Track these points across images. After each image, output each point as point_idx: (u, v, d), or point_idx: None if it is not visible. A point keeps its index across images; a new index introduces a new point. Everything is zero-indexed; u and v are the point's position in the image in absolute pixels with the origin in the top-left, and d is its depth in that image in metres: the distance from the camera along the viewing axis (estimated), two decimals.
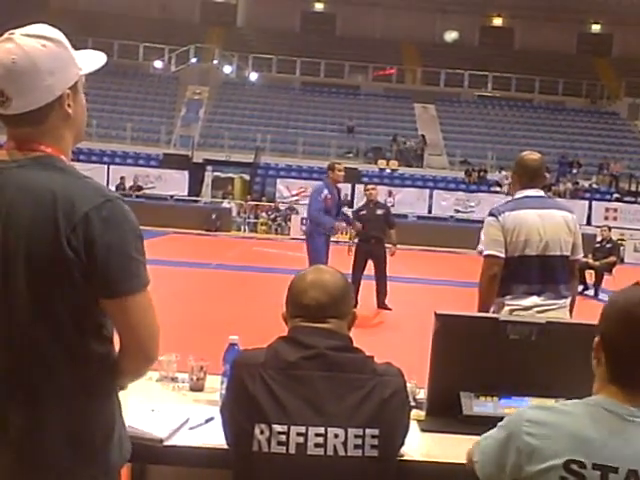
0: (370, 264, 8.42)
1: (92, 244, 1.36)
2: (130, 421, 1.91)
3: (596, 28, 33.75)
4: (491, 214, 3.37)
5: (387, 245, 8.60)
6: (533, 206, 3.31)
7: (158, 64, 29.56)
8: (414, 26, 31.96)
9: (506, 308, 3.25)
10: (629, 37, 31.60)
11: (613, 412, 1.40)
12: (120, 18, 29.56)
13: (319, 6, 34.38)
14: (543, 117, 29.41)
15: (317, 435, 1.59)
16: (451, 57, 30.45)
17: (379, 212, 8.35)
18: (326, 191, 7.56)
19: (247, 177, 24.39)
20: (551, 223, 3.29)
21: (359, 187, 18.65)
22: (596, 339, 1.46)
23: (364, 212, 8.53)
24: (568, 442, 1.37)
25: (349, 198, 19.83)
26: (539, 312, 3.21)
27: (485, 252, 3.33)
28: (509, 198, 3.53)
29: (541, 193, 3.41)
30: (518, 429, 1.43)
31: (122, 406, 1.63)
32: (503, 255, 3.25)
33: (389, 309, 8.47)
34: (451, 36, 33.66)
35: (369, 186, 8.71)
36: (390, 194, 22.43)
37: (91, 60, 1.55)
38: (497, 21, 34.21)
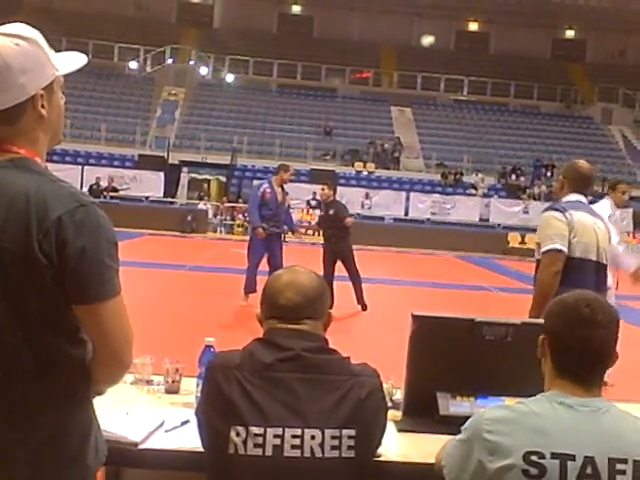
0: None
1: (64, 249, 1.34)
2: (104, 424, 1.88)
3: (570, 34, 34.22)
4: (555, 209, 3.25)
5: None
6: (588, 211, 3.30)
7: (133, 65, 29.35)
8: (391, 30, 32.13)
9: None
10: (602, 43, 32.11)
11: (565, 404, 1.48)
12: (95, 18, 29.31)
13: (296, 8, 34.41)
14: (518, 121, 29.74)
15: (294, 437, 1.58)
16: (427, 61, 30.67)
17: (331, 212, 8.41)
18: (266, 185, 8.15)
19: (223, 179, 24.30)
20: (601, 231, 3.27)
21: (338, 190, 18.71)
22: (541, 336, 1.54)
23: (321, 213, 8.69)
24: (526, 436, 1.44)
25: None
26: None
27: (549, 246, 3.13)
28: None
29: (586, 200, 3.40)
30: (479, 429, 1.48)
31: (96, 409, 1.61)
32: (566, 250, 3.11)
33: (365, 308, 8.51)
34: (427, 40, 33.91)
35: (322, 186, 8.74)
36: (367, 196, 22.52)
37: (70, 61, 1.53)
38: (473, 26, 34.53)
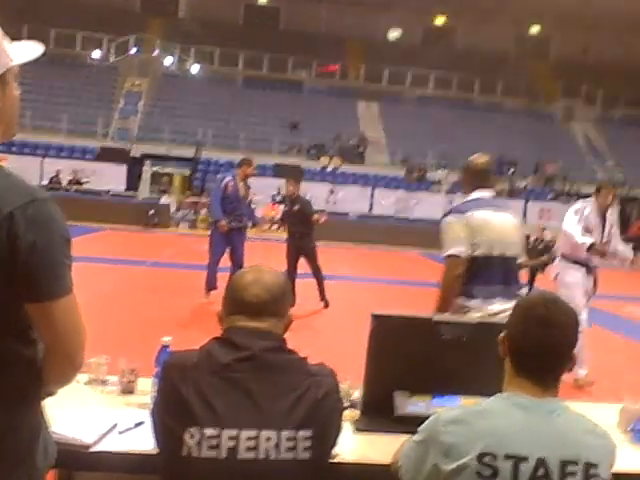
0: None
1: (15, 244, 1.31)
2: (56, 426, 1.85)
3: (534, 30, 34.66)
4: (454, 213, 3.31)
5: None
6: (492, 206, 3.33)
7: (96, 54, 28.83)
8: (358, 23, 32.14)
9: (477, 314, 3.16)
10: (566, 40, 32.59)
11: (520, 405, 1.50)
12: (57, 6, 28.68)
13: (263, 0, 34.20)
14: (482, 117, 30.04)
15: (249, 439, 1.57)
16: (394, 55, 30.76)
17: (296, 208, 8.39)
18: (229, 179, 8.11)
19: (187, 172, 24.02)
20: (508, 224, 3.32)
21: (302, 185, 18.66)
22: (501, 335, 1.55)
23: (286, 209, 8.66)
24: (481, 437, 1.45)
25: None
26: (505, 317, 3.21)
27: (449, 251, 3.24)
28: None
29: (493, 194, 3.44)
30: (435, 431, 1.49)
31: (48, 410, 1.58)
32: (465, 255, 3.21)
33: (327, 305, 8.51)
34: (394, 34, 34.00)
35: (287, 182, 8.73)
36: (332, 192, 22.52)
37: (25, 51, 1.49)
38: (440, 21, 34.74)
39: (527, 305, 1.59)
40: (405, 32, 33.71)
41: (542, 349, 1.52)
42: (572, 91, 31.09)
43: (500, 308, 3.20)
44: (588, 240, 5.58)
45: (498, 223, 3.27)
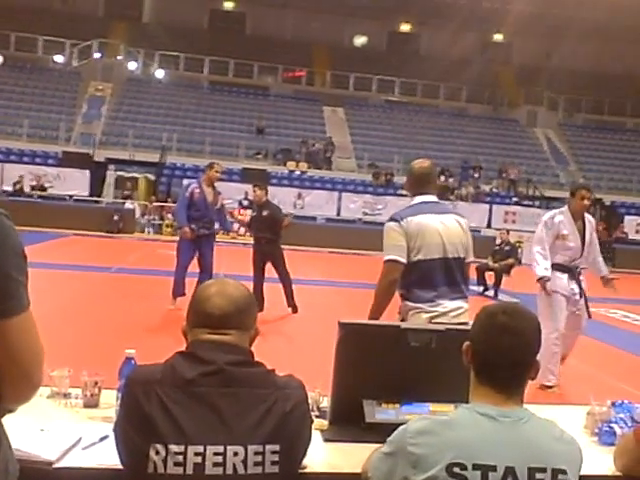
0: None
1: None
2: (17, 443, 1.79)
3: (498, 37, 35.19)
4: (393, 219, 3.38)
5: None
6: (433, 211, 3.39)
7: (59, 58, 28.43)
8: (324, 29, 32.26)
9: (424, 316, 3.24)
10: (529, 47, 33.13)
11: (486, 415, 1.50)
12: (19, 10, 28.18)
13: (228, 5, 34.08)
14: (447, 122, 30.38)
15: (216, 454, 1.54)
16: (360, 61, 30.94)
17: (265, 213, 8.35)
18: (194, 185, 8.02)
19: (152, 177, 23.78)
20: (450, 227, 3.37)
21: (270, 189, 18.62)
22: (465, 344, 1.56)
23: (254, 214, 8.62)
24: (449, 447, 1.45)
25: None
26: (454, 317, 3.26)
27: (387, 257, 3.32)
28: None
29: (435, 199, 3.49)
30: (403, 442, 1.48)
31: (8, 426, 1.52)
32: (404, 260, 3.28)
33: (296, 310, 8.49)
34: (360, 40, 34.20)
35: (255, 188, 8.68)
36: (299, 196, 22.52)
37: None
38: (404, 27, 35.05)
39: (488, 314, 1.58)
40: (370, 39, 33.95)
41: (505, 357, 1.52)
42: (535, 97, 31.63)
43: (449, 308, 3.27)
44: (540, 273, 5.40)
45: (438, 227, 3.32)
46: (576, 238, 5.52)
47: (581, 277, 5.60)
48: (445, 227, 3.34)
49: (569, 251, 5.53)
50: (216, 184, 8.23)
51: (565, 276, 5.51)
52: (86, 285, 9.88)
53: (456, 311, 3.30)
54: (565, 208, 5.67)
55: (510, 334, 1.52)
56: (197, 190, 7.91)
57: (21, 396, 1.42)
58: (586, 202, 5.52)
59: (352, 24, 33.32)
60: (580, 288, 5.53)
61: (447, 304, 3.28)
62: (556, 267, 5.51)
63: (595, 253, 5.66)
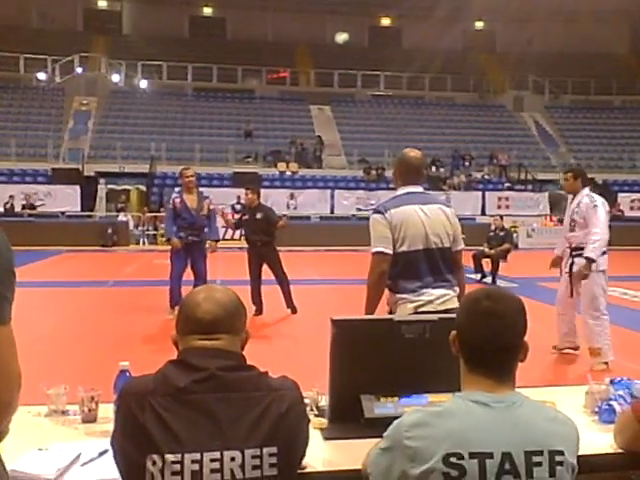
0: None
1: None
2: (16, 464, 1.79)
3: (480, 25, 35.22)
4: (377, 211, 3.38)
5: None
6: (416, 201, 3.37)
7: (42, 75, 28.36)
8: (305, 28, 32.24)
9: (410, 305, 3.26)
10: (511, 33, 33.17)
11: (479, 402, 1.49)
12: None
13: (207, 10, 34.03)
14: (435, 113, 30.39)
15: (213, 460, 1.53)
16: (343, 58, 30.94)
17: (259, 216, 8.34)
18: (174, 195, 8.22)
19: (143, 188, 23.73)
20: (434, 217, 3.36)
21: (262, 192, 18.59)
22: (452, 333, 1.55)
23: (246, 217, 8.60)
24: (444, 438, 1.44)
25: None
26: (440, 304, 3.27)
27: (374, 249, 3.32)
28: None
29: (421, 189, 3.48)
30: (399, 436, 1.48)
31: (7, 447, 1.51)
32: (391, 252, 3.29)
33: (295, 311, 8.48)
34: (342, 37, 34.19)
35: (247, 191, 8.68)
36: (292, 197, 22.51)
37: None
38: (385, 21, 35.05)
39: (471, 300, 1.58)
40: (352, 35, 33.94)
41: (491, 341, 1.51)
42: (520, 81, 31.66)
43: (434, 295, 3.29)
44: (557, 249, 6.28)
45: (422, 218, 3.32)
46: (566, 216, 6.10)
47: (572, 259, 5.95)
48: (428, 218, 3.34)
49: None
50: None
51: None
52: (83, 301, 9.84)
53: (442, 298, 3.30)
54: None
55: (495, 318, 1.51)
56: (177, 200, 8.02)
57: None
58: (568, 184, 6.05)
59: (332, 21, 33.32)
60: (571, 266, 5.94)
61: (432, 292, 3.29)
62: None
63: (580, 234, 5.91)
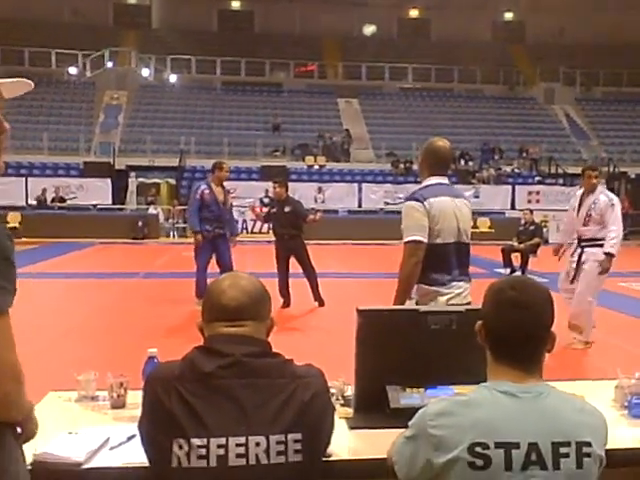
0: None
1: None
2: (46, 447, 1.82)
3: (509, 16, 34.75)
4: (414, 199, 3.27)
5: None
6: (447, 193, 3.32)
7: (73, 70, 28.72)
8: (333, 21, 32.13)
9: (442, 299, 3.19)
10: (541, 24, 32.68)
11: (506, 392, 1.48)
12: (30, 25, 28.56)
13: (236, 4, 34.13)
14: (463, 106, 30.09)
15: (238, 445, 1.55)
16: (371, 50, 30.77)
17: (287, 209, 8.31)
18: (203, 187, 7.98)
19: (173, 181, 23.95)
20: (462, 211, 3.33)
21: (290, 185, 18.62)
22: (478, 323, 1.54)
23: (274, 210, 8.58)
24: (470, 427, 1.43)
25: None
26: (464, 297, 3.26)
27: (410, 237, 3.21)
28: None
29: (447, 181, 3.43)
30: (424, 425, 1.47)
31: (39, 431, 1.55)
32: (426, 240, 3.20)
33: (323, 304, 8.48)
34: (370, 29, 34.00)
35: (275, 184, 8.66)
36: (320, 190, 22.51)
37: (15, 87, 1.50)
38: (413, 13, 34.78)
39: (496, 290, 1.57)
40: (380, 27, 33.72)
41: (517, 332, 1.50)
42: (551, 73, 31.18)
43: (462, 288, 3.28)
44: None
45: (455, 211, 3.28)
46: (573, 215, 6.35)
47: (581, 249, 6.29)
48: (460, 211, 3.31)
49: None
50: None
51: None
52: (115, 292, 10.01)
53: (465, 292, 3.29)
54: (580, 187, 6.49)
55: (520, 308, 1.50)
56: (207, 191, 7.92)
57: None
58: (594, 181, 6.22)
59: (360, 13, 33.13)
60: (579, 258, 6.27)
61: (460, 284, 3.26)
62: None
63: (595, 231, 6.22)
